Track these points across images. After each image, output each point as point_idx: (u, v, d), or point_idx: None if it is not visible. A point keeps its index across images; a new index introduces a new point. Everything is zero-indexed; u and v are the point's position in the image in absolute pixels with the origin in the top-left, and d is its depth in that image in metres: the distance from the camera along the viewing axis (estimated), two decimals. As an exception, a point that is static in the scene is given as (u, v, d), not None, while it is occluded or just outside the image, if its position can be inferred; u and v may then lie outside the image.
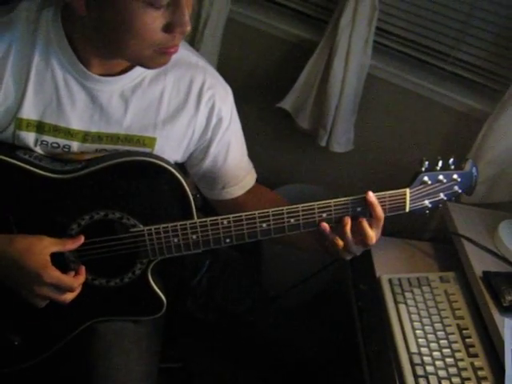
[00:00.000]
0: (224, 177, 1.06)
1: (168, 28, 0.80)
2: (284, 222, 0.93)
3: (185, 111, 0.97)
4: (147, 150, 0.96)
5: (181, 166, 1.07)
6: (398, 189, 0.95)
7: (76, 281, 0.88)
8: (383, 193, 0.94)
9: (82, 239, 0.91)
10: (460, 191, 1.00)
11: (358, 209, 0.94)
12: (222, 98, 0.99)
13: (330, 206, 0.93)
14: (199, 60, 0.99)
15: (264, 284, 1.90)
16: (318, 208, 0.93)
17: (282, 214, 0.92)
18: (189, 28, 0.81)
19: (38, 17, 0.87)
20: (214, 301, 1.78)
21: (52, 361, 1.01)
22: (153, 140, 0.96)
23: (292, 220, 0.93)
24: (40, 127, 0.90)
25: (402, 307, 1.12)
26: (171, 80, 0.95)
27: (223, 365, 1.65)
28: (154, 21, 0.78)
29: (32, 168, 0.88)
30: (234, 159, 1.05)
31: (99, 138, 0.94)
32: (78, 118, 0.91)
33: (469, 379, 0.98)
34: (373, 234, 0.93)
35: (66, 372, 1.01)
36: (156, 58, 0.85)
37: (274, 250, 1.81)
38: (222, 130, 1.01)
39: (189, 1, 0.81)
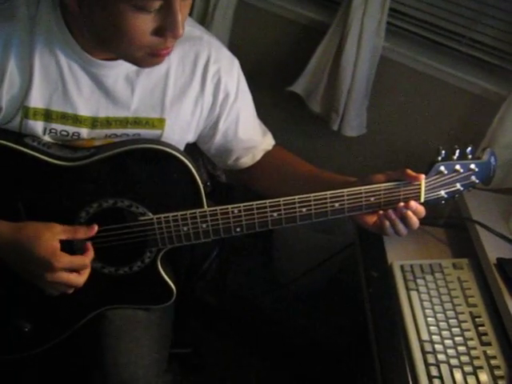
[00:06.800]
0: (236, 149, 1.06)
1: (159, 31, 0.79)
2: (296, 212, 0.92)
3: (191, 89, 0.96)
4: (157, 131, 0.96)
5: (194, 145, 1.07)
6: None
7: (86, 258, 0.88)
8: (397, 182, 0.93)
9: (95, 229, 0.90)
10: (477, 181, 0.98)
11: (372, 198, 0.93)
12: (227, 71, 0.99)
13: (343, 196, 0.92)
14: (203, 34, 0.98)
15: (275, 270, 1.91)
16: (331, 198, 0.92)
17: (294, 203, 0.91)
18: (181, 32, 0.79)
19: (38, 5, 0.86)
20: (224, 286, 1.79)
21: (63, 346, 1.02)
22: (162, 121, 0.95)
23: (304, 209, 0.92)
24: (48, 115, 0.90)
25: (414, 294, 1.10)
26: (176, 58, 0.94)
27: (234, 350, 1.66)
28: (143, 24, 0.77)
29: (40, 155, 0.88)
30: (244, 131, 1.05)
31: (108, 122, 0.93)
32: (85, 103, 0.91)
33: (481, 368, 0.97)
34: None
35: (76, 358, 1.02)
36: (148, 59, 0.84)
37: (286, 236, 1.81)
38: (229, 104, 1.01)
39: (185, 3, 0.79)
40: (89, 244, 0.91)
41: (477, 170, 0.97)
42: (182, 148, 1.01)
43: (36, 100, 0.88)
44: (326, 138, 1.81)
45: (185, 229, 0.91)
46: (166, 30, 0.79)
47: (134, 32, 0.78)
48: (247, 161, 1.08)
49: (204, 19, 1.73)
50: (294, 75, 1.68)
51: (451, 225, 1.34)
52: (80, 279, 0.89)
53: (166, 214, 0.90)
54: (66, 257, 0.86)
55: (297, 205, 0.91)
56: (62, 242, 0.87)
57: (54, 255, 0.85)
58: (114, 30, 0.78)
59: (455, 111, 1.59)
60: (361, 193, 0.92)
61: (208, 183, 0.94)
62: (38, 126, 0.90)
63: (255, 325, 1.72)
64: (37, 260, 0.85)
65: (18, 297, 0.98)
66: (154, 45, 0.81)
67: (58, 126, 0.91)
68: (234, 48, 1.73)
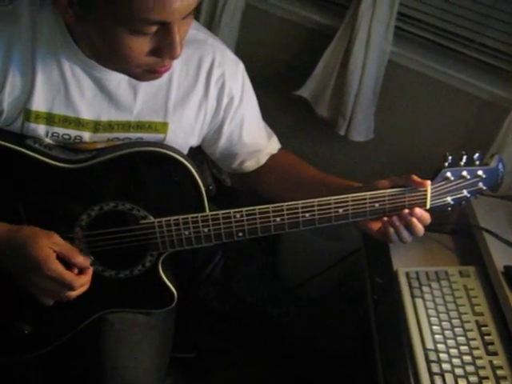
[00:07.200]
0: (241, 153, 1.05)
1: (156, 52, 0.79)
2: (299, 217, 0.90)
3: (195, 93, 0.95)
4: (160, 135, 0.95)
5: (198, 148, 1.07)
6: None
7: (78, 279, 0.85)
8: (403, 189, 0.91)
9: (90, 271, 0.88)
10: (485, 188, 0.96)
11: (376, 204, 0.91)
12: (231, 75, 0.98)
13: (347, 202, 0.90)
14: (207, 37, 0.97)
15: (280, 275, 1.89)
16: (335, 203, 0.90)
17: (297, 208, 0.90)
18: (179, 53, 0.79)
19: (41, 9, 0.85)
20: (229, 290, 1.78)
21: (63, 349, 1.01)
22: (165, 125, 0.95)
23: (307, 215, 0.90)
24: (50, 119, 0.89)
25: (419, 302, 1.09)
26: (179, 62, 0.92)
27: (237, 354, 1.65)
28: (140, 46, 0.78)
29: (41, 157, 0.87)
30: (249, 135, 1.04)
31: (110, 126, 0.93)
32: (87, 107, 0.90)
33: (487, 378, 0.95)
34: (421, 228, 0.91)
35: (76, 361, 1.01)
36: (146, 75, 0.85)
37: (292, 242, 1.80)
38: (233, 108, 1.00)
39: (184, 21, 0.79)
40: (90, 270, 0.88)
41: (484, 176, 0.95)
42: (185, 152, 1.00)
43: (38, 103, 0.88)
44: (332, 143, 1.80)
45: (186, 233, 0.90)
46: (163, 51, 0.79)
47: (130, 53, 0.78)
48: (252, 164, 1.07)
49: (211, 22, 1.73)
50: (301, 79, 1.67)
51: (458, 232, 1.32)
52: (71, 294, 0.86)
53: (168, 218, 0.89)
54: (58, 267, 0.83)
55: (300, 210, 0.90)
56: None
57: (47, 261, 0.83)
58: (110, 49, 0.79)
59: (464, 117, 1.57)
60: (365, 198, 0.91)
61: (210, 187, 0.93)
62: (39, 129, 0.90)
63: (259, 330, 1.71)
64: (29, 261, 0.83)
65: (19, 299, 0.96)
66: (152, 64, 0.82)
67: (60, 130, 0.91)
68: (240, 51, 1.73)
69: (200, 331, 1.60)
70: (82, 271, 0.87)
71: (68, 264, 0.86)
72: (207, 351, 1.59)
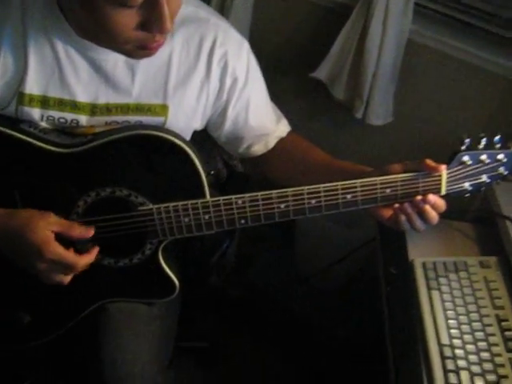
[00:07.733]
0: (248, 137, 1.02)
1: (144, 26, 0.75)
2: (304, 204, 0.86)
3: (196, 74, 0.92)
4: (160, 118, 0.92)
5: (207, 133, 1.04)
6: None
7: (80, 259, 0.85)
8: (415, 173, 0.86)
9: (91, 232, 0.87)
10: (506, 173, 0.91)
11: (388, 190, 0.86)
12: (235, 55, 0.94)
13: (356, 187, 0.86)
14: (209, 15, 0.93)
15: (296, 263, 1.87)
16: (342, 189, 0.85)
17: (302, 194, 0.85)
18: (169, 27, 0.75)
19: None
20: (242, 277, 1.76)
21: (62, 338, 1.00)
22: (165, 108, 0.91)
23: (313, 201, 0.86)
24: (44, 102, 0.87)
25: (435, 294, 1.04)
26: (179, 41, 0.89)
27: (250, 343, 1.63)
28: (125, 20, 0.74)
29: (36, 141, 0.85)
30: (255, 118, 1.00)
31: (108, 109, 0.90)
32: (83, 89, 0.87)
33: (506, 377, 0.90)
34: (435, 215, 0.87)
35: (74, 350, 1.00)
36: (138, 51, 0.81)
37: (309, 230, 1.76)
38: (238, 90, 0.96)
39: None
40: (95, 248, 0.88)
41: (505, 160, 0.89)
42: (188, 135, 0.97)
43: (31, 86, 0.86)
44: (349, 127, 1.74)
45: (186, 220, 0.87)
46: (152, 24, 0.75)
47: (116, 28, 0.75)
48: (260, 148, 1.04)
49: (223, 4, 1.67)
50: (316, 60, 1.61)
51: (479, 220, 1.26)
52: (68, 276, 0.86)
53: (166, 204, 0.86)
54: (59, 248, 0.83)
55: (305, 196, 0.85)
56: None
57: (47, 244, 0.82)
58: (96, 25, 0.76)
59: (488, 98, 1.50)
60: (376, 184, 0.86)
61: (212, 172, 0.90)
62: (34, 112, 0.87)
63: (273, 318, 1.69)
64: (28, 246, 0.82)
65: (18, 288, 0.96)
66: (142, 39, 0.78)
67: (56, 113, 0.88)
68: (254, 32, 1.69)
69: (212, 320, 1.58)
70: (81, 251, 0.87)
71: (68, 242, 0.85)
72: (220, 340, 1.57)
